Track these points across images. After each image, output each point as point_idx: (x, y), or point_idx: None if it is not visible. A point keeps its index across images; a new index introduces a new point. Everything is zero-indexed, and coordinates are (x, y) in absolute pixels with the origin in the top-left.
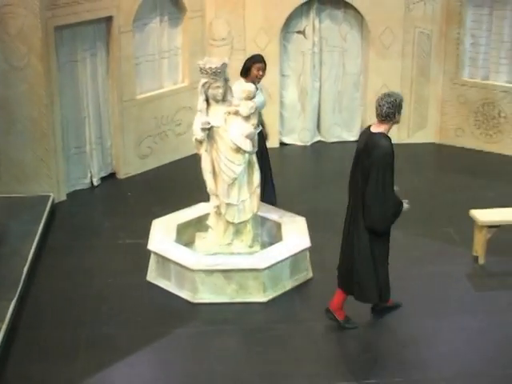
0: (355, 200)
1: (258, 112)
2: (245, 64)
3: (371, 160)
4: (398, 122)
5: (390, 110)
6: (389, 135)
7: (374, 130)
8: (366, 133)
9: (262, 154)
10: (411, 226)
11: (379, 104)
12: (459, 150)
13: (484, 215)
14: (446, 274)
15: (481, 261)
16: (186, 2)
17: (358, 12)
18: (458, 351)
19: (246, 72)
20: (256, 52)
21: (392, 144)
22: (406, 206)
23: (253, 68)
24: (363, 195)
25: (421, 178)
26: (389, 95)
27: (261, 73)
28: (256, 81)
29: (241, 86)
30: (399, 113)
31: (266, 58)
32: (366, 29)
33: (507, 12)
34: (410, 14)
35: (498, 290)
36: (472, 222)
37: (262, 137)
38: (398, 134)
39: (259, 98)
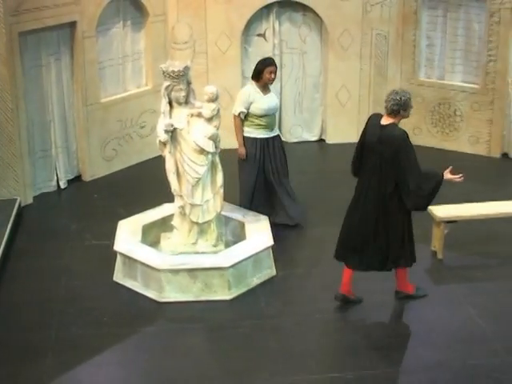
0: (371, 187)
1: (273, 114)
2: (256, 67)
3: (393, 150)
4: (406, 117)
5: (394, 107)
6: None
7: (384, 122)
8: (376, 126)
9: (281, 159)
10: None
11: (386, 100)
12: (417, 148)
13: (441, 211)
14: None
15: (439, 255)
16: (148, 7)
17: (317, 15)
18: (418, 343)
19: (257, 75)
20: (218, 55)
21: (406, 133)
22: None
23: (265, 71)
24: (391, 182)
25: None
26: (396, 93)
27: (273, 76)
28: (268, 83)
29: (204, 88)
30: (405, 110)
31: (227, 61)
32: (324, 31)
33: (461, 14)
34: (367, 16)
35: (455, 283)
36: (430, 217)
37: (281, 142)
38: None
39: (272, 101)
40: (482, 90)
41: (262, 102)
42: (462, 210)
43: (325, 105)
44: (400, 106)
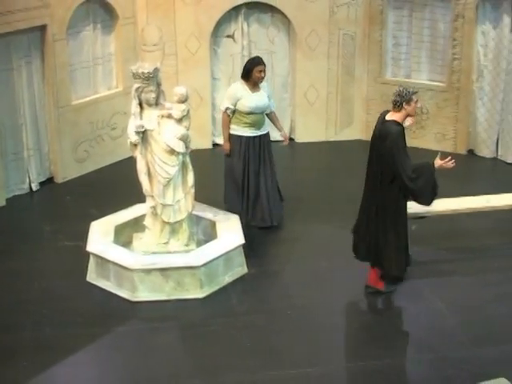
0: (373, 183)
1: (261, 113)
2: (245, 67)
3: (386, 145)
4: (411, 114)
5: (396, 98)
6: (401, 123)
7: (387, 117)
8: (380, 121)
9: (271, 158)
10: (339, 219)
11: (393, 94)
12: None
13: (409, 207)
14: None
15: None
16: (117, 10)
17: (285, 16)
18: (389, 338)
19: (247, 74)
20: (188, 56)
21: (402, 130)
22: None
23: (254, 70)
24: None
25: (348, 173)
26: (400, 86)
27: (262, 74)
28: (258, 82)
29: (174, 90)
30: (408, 103)
31: (196, 63)
32: (292, 32)
33: (426, 14)
34: (334, 17)
35: (423, 277)
36: None
37: (269, 141)
38: (326, 132)
39: (261, 100)
40: (447, 88)
41: (250, 99)
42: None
43: (293, 104)
44: (401, 98)
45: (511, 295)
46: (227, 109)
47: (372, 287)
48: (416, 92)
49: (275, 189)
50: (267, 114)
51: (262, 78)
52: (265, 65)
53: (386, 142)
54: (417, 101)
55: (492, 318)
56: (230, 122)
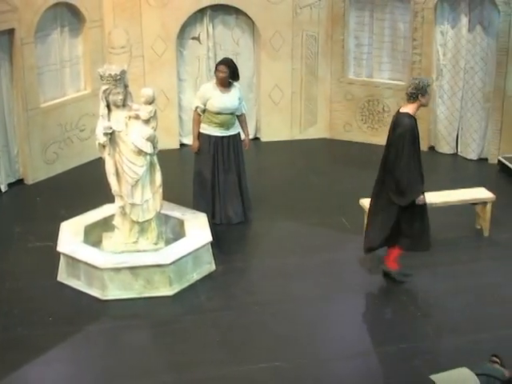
0: (381, 174)
1: (231, 114)
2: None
3: (395, 137)
4: (425, 105)
5: (412, 90)
6: (414, 115)
7: (402, 110)
8: (396, 114)
9: (240, 158)
10: (305, 216)
11: (408, 86)
12: (348, 143)
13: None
14: (340, 259)
15: None
16: (84, 13)
17: (249, 18)
18: (354, 330)
19: (214, 74)
20: (155, 58)
21: (414, 122)
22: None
23: (216, 70)
24: (390, 169)
25: (313, 171)
26: (415, 78)
27: (220, 74)
28: (223, 82)
29: (141, 91)
30: (423, 95)
31: (163, 64)
32: (257, 33)
33: (387, 14)
34: (297, 18)
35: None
36: (362, 209)
37: (239, 142)
38: (291, 131)
39: (229, 101)
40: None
41: (218, 99)
42: None
43: (258, 104)
44: (418, 90)
45: (470, 286)
46: (197, 107)
47: (387, 268)
48: (430, 84)
49: (243, 187)
50: (238, 116)
51: (221, 77)
52: (226, 65)
53: (398, 132)
54: (430, 92)
55: (453, 308)
56: (200, 120)
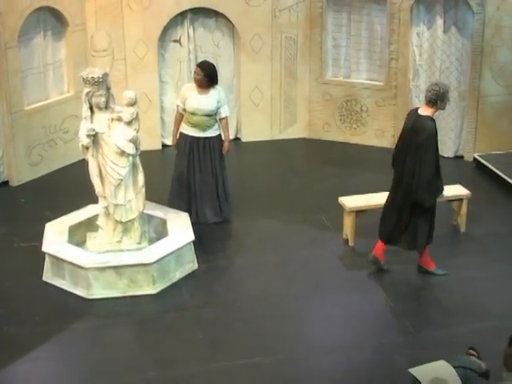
0: (401, 172)
1: (206, 116)
2: None
3: (420, 140)
4: (443, 109)
5: (432, 96)
6: (434, 118)
7: (421, 112)
8: (414, 115)
9: (217, 159)
10: (286, 214)
11: (427, 90)
12: (327, 143)
13: (351, 201)
14: (320, 256)
15: (351, 243)
16: (67, 17)
17: (229, 20)
18: (334, 326)
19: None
20: (136, 61)
21: (435, 126)
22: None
23: (194, 72)
24: (414, 170)
25: (293, 170)
26: (436, 84)
27: (195, 76)
28: (201, 84)
29: (123, 93)
30: (442, 101)
31: (145, 67)
32: (236, 35)
33: (364, 16)
34: (276, 20)
35: (366, 268)
36: (341, 208)
37: (218, 144)
38: (271, 131)
39: (204, 103)
40: (385, 86)
41: (193, 100)
42: (370, 199)
43: (239, 105)
44: (438, 97)
45: (448, 281)
46: (178, 106)
47: (422, 267)
48: (450, 91)
49: (220, 188)
50: (220, 119)
51: (197, 79)
52: (202, 68)
53: (423, 136)
54: (449, 97)
55: (430, 303)
56: (180, 119)
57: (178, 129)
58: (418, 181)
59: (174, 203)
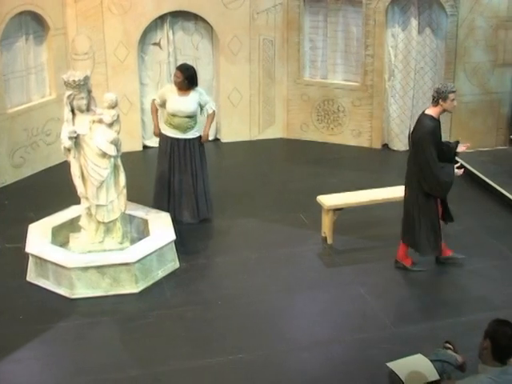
0: (409, 169)
1: (187, 118)
2: None
3: (416, 138)
4: (449, 111)
5: (434, 94)
6: (437, 118)
7: (426, 112)
8: (421, 114)
9: (197, 161)
10: (265, 213)
11: (432, 89)
12: (305, 143)
13: (329, 200)
14: (299, 254)
15: (329, 241)
16: (48, 21)
17: (208, 23)
18: (313, 322)
19: None
20: (117, 64)
21: (435, 125)
22: (456, 171)
23: (173, 75)
24: (415, 166)
25: (272, 169)
26: (440, 83)
27: (175, 78)
28: (180, 87)
29: (104, 96)
30: (444, 100)
31: (125, 70)
32: (215, 38)
33: (340, 18)
34: (254, 23)
35: (344, 265)
36: (319, 206)
37: (198, 146)
38: (250, 132)
39: (183, 105)
40: (361, 87)
41: (173, 102)
42: (348, 198)
43: (218, 106)
44: (438, 94)
45: (423, 277)
46: (154, 100)
47: (400, 262)
48: (454, 91)
49: (200, 190)
50: (209, 115)
51: (177, 82)
52: (181, 71)
53: (419, 133)
54: (453, 99)
55: (407, 299)
56: (157, 109)
57: (156, 118)
58: (422, 178)
59: (157, 203)
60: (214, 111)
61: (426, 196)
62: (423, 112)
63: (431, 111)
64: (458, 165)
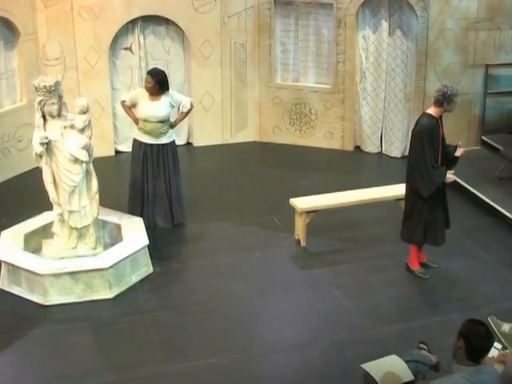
0: (407, 168)
1: (159, 123)
2: None
3: (413, 134)
4: (450, 111)
5: (439, 97)
6: (436, 117)
7: (427, 111)
8: (422, 113)
9: (170, 166)
10: (238, 216)
11: (436, 90)
12: (277, 146)
13: (302, 202)
14: (273, 257)
15: (302, 243)
16: (19, 27)
17: (179, 27)
18: (288, 325)
19: None
20: (88, 69)
21: (433, 123)
22: (448, 176)
23: (144, 81)
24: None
25: (245, 173)
26: (445, 86)
27: (145, 83)
28: (147, 91)
29: (76, 101)
30: (448, 103)
31: (96, 75)
32: (186, 42)
33: (311, 21)
34: (225, 26)
35: (318, 267)
36: (292, 209)
37: (172, 151)
38: (222, 135)
39: (154, 110)
40: (333, 89)
41: (145, 107)
42: (320, 200)
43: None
44: (444, 98)
45: (397, 279)
46: (124, 101)
47: (407, 264)
48: (458, 94)
49: (173, 195)
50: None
51: (148, 87)
52: (152, 76)
53: (415, 129)
54: (456, 100)
55: (382, 300)
56: (130, 106)
57: (132, 112)
58: (412, 173)
59: (131, 208)
60: (189, 108)
61: (416, 193)
62: (424, 111)
63: (432, 111)
64: (452, 172)
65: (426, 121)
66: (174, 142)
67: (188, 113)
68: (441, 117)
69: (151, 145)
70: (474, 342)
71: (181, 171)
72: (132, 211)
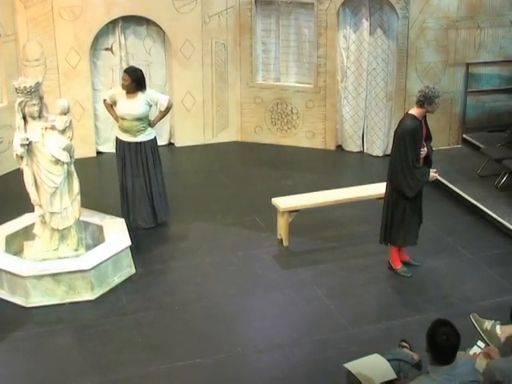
0: (389, 169)
1: (136, 120)
2: None
3: (396, 135)
4: (431, 112)
5: (420, 98)
6: (419, 118)
7: (409, 111)
8: (405, 113)
9: (151, 164)
10: (221, 216)
11: (418, 90)
12: (259, 145)
13: (284, 202)
14: (256, 256)
15: (285, 243)
16: None
17: (160, 27)
18: (271, 324)
19: None
20: (69, 70)
21: (415, 124)
22: (432, 175)
23: (122, 79)
24: (392, 164)
25: (227, 173)
26: (427, 87)
27: (123, 82)
28: (124, 89)
29: (56, 102)
30: (429, 104)
31: (77, 75)
32: (167, 42)
33: (292, 21)
34: (206, 26)
35: (301, 267)
36: (274, 208)
37: (152, 149)
38: (204, 136)
39: (131, 108)
40: (314, 88)
41: (122, 105)
42: (302, 199)
43: (172, 111)
44: (425, 99)
45: (379, 278)
46: (105, 100)
47: (390, 263)
48: (440, 95)
49: (154, 194)
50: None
51: (124, 85)
52: (129, 74)
53: (397, 131)
54: (438, 102)
55: (364, 299)
56: (111, 106)
57: (113, 111)
58: (395, 174)
59: (121, 207)
60: (167, 107)
61: (399, 194)
62: (407, 112)
63: (414, 111)
64: (435, 170)
65: (410, 122)
66: (153, 140)
67: (167, 111)
68: (425, 117)
69: (129, 143)
70: (438, 342)
71: (163, 171)
72: (122, 210)
